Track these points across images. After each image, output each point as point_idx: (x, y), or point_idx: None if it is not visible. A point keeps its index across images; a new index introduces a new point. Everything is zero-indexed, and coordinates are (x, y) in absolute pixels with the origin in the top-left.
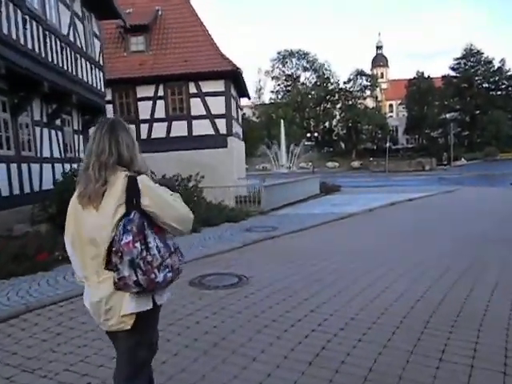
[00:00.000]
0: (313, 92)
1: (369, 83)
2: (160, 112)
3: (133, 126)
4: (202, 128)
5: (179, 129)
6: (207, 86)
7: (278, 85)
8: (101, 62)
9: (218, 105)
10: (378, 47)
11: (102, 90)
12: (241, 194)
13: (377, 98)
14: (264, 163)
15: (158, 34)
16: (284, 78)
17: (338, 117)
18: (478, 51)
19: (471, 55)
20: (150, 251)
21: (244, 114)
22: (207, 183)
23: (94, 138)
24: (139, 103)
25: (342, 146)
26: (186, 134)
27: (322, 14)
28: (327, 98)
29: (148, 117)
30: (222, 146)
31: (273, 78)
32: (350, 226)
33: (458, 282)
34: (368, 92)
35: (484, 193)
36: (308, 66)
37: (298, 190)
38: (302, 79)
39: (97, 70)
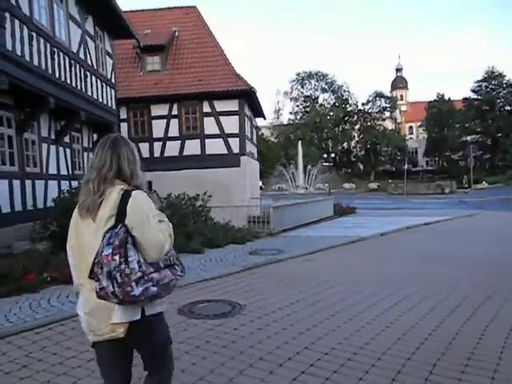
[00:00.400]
0: (331, 113)
1: (388, 105)
2: (174, 130)
3: (146, 145)
4: (215, 147)
5: (192, 147)
6: (221, 106)
7: (297, 106)
8: (113, 80)
9: (231, 124)
10: (398, 69)
11: (114, 107)
12: (254, 214)
13: (396, 119)
14: (280, 183)
15: (174, 54)
16: (302, 99)
17: (356, 138)
18: (500, 74)
19: (492, 78)
20: (128, 265)
21: (262, 134)
22: (219, 202)
23: (96, 153)
24: (153, 122)
25: (361, 167)
26: (199, 152)
27: (341, 36)
28: (346, 119)
29: (162, 135)
30: (234, 166)
31: (291, 99)
32: (359, 251)
33: (471, 320)
34: (387, 114)
35: (505, 217)
36: (326, 87)
37: (310, 212)
38: (320, 100)
39: (108, 87)
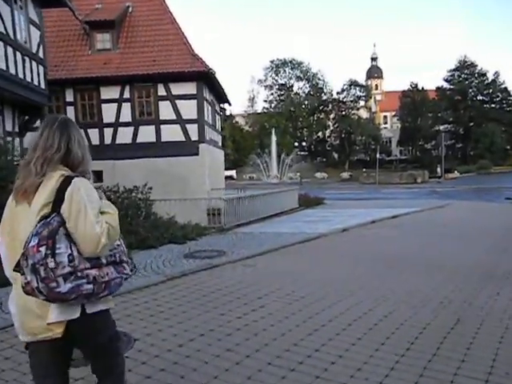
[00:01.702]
0: (306, 102)
1: (362, 94)
2: (126, 115)
3: (96, 131)
4: (172, 134)
5: (147, 134)
6: (177, 89)
7: (271, 94)
8: (41, 55)
9: (189, 109)
10: (373, 59)
11: (43, 86)
12: (219, 206)
13: (370, 108)
14: (252, 173)
15: (127, 31)
16: (277, 87)
17: (331, 127)
18: (472, 63)
19: (465, 67)
20: (55, 258)
21: (237, 122)
22: (176, 194)
23: (41, 133)
24: (103, 105)
25: (335, 156)
26: (154, 139)
27: (316, 23)
28: (320, 108)
29: (113, 120)
30: (193, 154)
31: (266, 87)
32: (313, 251)
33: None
34: (362, 103)
35: (478, 209)
36: (301, 75)
37: (271, 204)
38: (295, 88)
39: (34, 63)
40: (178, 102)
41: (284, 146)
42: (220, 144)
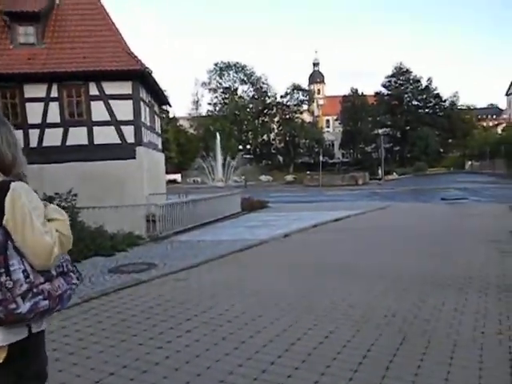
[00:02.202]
0: (250, 105)
1: (305, 98)
2: (54, 116)
3: (20, 132)
4: (106, 136)
5: (78, 136)
6: (111, 88)
7: (216, 97)
8: None
9: (124, 110)
10: (315, 64)
11: None
12: (155, 213)
13: (313, 112)
14: (197, 177)
15: (54, 25)
16: (221, 90)
17: (275, 130)
18: (407, 70)
19: (401, 74)
20: (11, 276)
21: (181, 125)
22: (112, 200)
23: None
24: (28, 105)
25: (280, 159)
26: (86, 142)
27: (260, 27)
28: (265, 111)
29: (39, 121)
30: (129, 157)
31: (210, 90)
32: (253, 260)
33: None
34: (305, 107)
35: (417, 210)
36: (245, 78)
37: (213, 209)
38: (239, 92)
39: None
40: (112, 102)
41: (229, 149)
42: (160, 147)
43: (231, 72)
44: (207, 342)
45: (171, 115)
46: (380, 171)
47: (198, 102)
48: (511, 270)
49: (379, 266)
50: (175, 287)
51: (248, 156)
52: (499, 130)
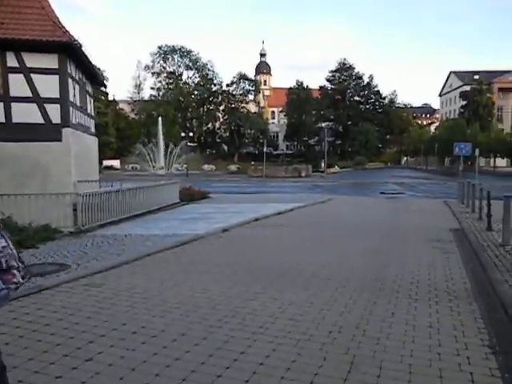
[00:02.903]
0: (196, 92)
1: (252, 88)
2: None
3: None
4: (27, 114)
5: None
6: (34, 61)
7: (159, 81)
8: None
9: (49, 86)
10: (262, 55)
11: None
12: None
13: (259, 103)
14: (138, 163)
15: None
16: (165, 74)
17: (221, 119)
18: (350, 66)
19: (344, 69)
20: None
21: (122, 109)
22: (33, 186)
23: None
24: None
25: (225, 148)
26: (3, 119)
27: (206, 14)
28: (210, 99)
29: None
30: (54, 140)
31: (153, 74)
32: (184, 260)
33: None
34: (251, 97)
35: (358, 204)
36: (191, 64)
37: (148, 199)
38: (184, 78)
39: None
40: (34, 76)
41: (172, 136)
42: (93, 130)
43: (176, 56)
44: (111, 375)
45: (111, 98)
46: (323, 164)
47: (140, 85)
48: (457, 274)
49: (323, 268)
50: (86, 296)
51: (192, 144)
52: (432, 128)
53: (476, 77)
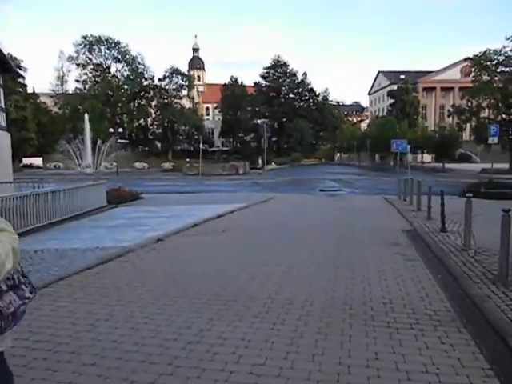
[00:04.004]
0: (125, 86)
1: (185, 83)
2: None
3: None
4: None
5: None
6: None
7: (85, 74)
8: None
9: None
10: (195, 49)
11: None
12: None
13: (193, 99)
14: (60, 161)
15: None
16: (92, 66)
17: (153, 115)
18: (285, 63)
19: (278, 66)
20: None
21: (44, 103)
22: None
23: None
24: None
25: (158, 145)
26: None
27: (136, 5)
28: (141, 93)
29: None
30: None
31: (78, 66)
32: (106, 285)
33: None
34: (184, 92)
35: (301, 203)
36: (119, 56)
37: (68, 203)
38: (112, 70)
39: None
40: None
41: (100, 133)
42: (4, 124)
43: (103, 48)
44: None
45: (30, 90)
46: (260, 161)
47: (63, 77)
48: (430, 288)
49: (277, 292)
50: None
51: (123, 141)
52: (363, 125)
53: (402, 76)
